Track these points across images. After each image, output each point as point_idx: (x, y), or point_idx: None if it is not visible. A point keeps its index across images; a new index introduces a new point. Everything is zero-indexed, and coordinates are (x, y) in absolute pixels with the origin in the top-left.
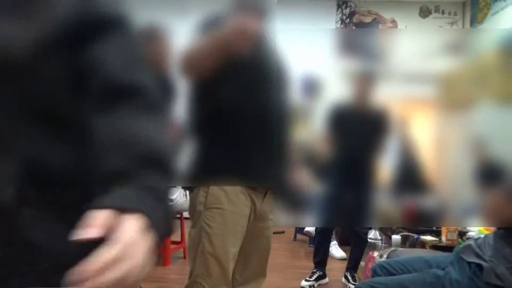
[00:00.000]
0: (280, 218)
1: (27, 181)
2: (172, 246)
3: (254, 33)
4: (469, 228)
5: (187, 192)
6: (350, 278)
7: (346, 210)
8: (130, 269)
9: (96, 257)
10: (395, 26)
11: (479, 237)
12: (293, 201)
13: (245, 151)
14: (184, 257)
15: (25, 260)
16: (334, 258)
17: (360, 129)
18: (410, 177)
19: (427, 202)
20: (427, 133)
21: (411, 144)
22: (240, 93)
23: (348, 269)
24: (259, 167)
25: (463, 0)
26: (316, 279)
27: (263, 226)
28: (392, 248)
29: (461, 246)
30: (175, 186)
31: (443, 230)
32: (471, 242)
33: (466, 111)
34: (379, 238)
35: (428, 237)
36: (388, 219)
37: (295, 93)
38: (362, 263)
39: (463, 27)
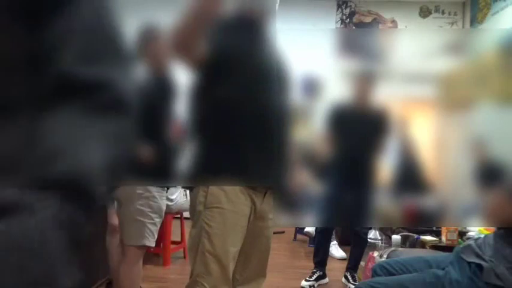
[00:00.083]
0: (280, 218)
1: None
2: (172, 246)
3: None
4: (469, 228)
5: (187, 192)
6: (350, 278)
7: (346, 210)
8: None
9: None
10: (395, 26)
11: (479, 237)
12: (293, 201)
13: (245, 151)
14: (185, 257)
15: None
16: (334, 258)
17: (360, 129)
18: (410, 177)
19: (427, 202)
20: (427, 133)
21: (411, 144)
22: (240, 93)
23: (348, 269)
24: (259, 167)
25: (463, 0)
26: (316, 279)
27: (263, 226)
28: (392, 248)
29: (461, 246)
30: (175, 186)
31: (443, 230)
32: (471, 242)
33: (466, 111)
34: (379, 238)
35: (428, 237)
36: (388, 219)
37: (295, 93)
38: (362, 263)
39: (463, 27)
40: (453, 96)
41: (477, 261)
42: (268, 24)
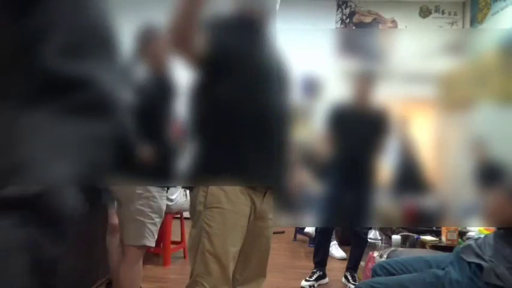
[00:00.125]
0: (280, 218)
1: None
2: (172, 246)
3: None
4: (469, 228)
5: (187, 192)
6: (350, 278)
7: (346, 210)
8: None
9: None
10: (395, 26)
11: (479, 237)
12: (293, 201)
13: (245, 151)
14: (185, 257)
15: None
16: (334, 258)
17: (360, 129)
18: (410, 177)
19: (427, 202)
20: (427, 133)
21: (411, 144)
22: (240, 93)
23: (348, 269)
24: (259, 166)
25: (463, 0)
26: (316, 279)
27: (263, 226)
28: (392, 248)
29: (461, 246)
30: (175, 186)
31: (443, 230)
32: (471, 242)
33: (466, 111)
34: (379, 238)
35: (428, 237)
36: (388, 219)
37: (295, 93)
38: (362, 263)
39: (463, 27)
40: (453, 96)
41: (477, 261)
42: (269, 24)
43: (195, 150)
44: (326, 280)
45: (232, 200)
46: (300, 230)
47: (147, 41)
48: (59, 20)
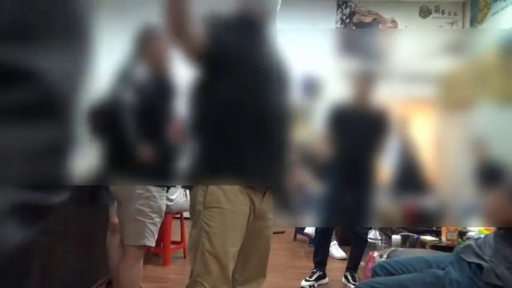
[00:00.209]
0: (280, 218)
1: None
2: (172, 246)
3: None
4: (469, 228)
5: (187, 192)
6: (350, 278)
7: (346, 210)
8: None
9: None
10: (395, 26)
11: (479, 237)
12: (292, 201)
13: (245, 151)
14: (185, 257)
15: None
16: (334, 258)
17: (360, 129)
18: (410, 177)
19: (427, 202)
20: (427, 133)
21: (411, 144)
22: (240, 93)
23: (348, 269)
24: (258, 166)
25: (463, 0)
26: (316, 279)
27: (262, 226)
28: (392, 248)
29: (461, 246)
30: (175, 186)
31: (443, 230)
32: (471, 242)
33: (466, 111)
34: (379, 238)
35: (428, 237)
36: (388, 219)
37: (295, 93)
38: (362, 263)
39: (463, 27)
40: (453, 96)
41: (477, 261)
42: (269, 24)
43: (195, 149)
44: (326, 280)
45: (231, 199)
46: (300, 230)
47: (146, 41)
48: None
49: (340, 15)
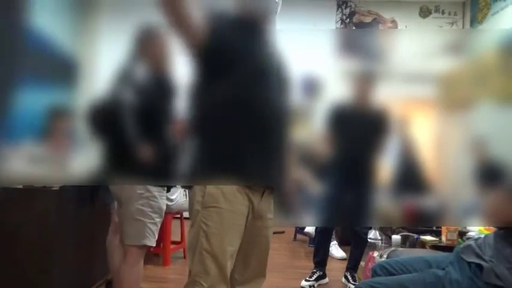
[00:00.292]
0: (280, 218)
1: None
2: (172, 246)
3: None
4: (469, 228)
5: (187, 192)
6: (350, 278)
7: (346, 210)
8: None
9: None
10: (395, 26)
11: (479, 237)
12: (292, 201)
13: (244, 151)
14: (184, 257)
15: None
16: (334, 258)
17: (360, 129)
18: (410, 177)
19: (427, 202)
20: (427, 133)
21: (411, 144)
22: (239, 93)
23: (348, 269)
24: (258, 166)
25: (463, 0)
26: (316, 279)
27: (261, 225)
28: (392, 248)
29: (461, 246)
30: (175, 186)
31: (443, 230)
32: (471, 242)
33: (466, 111)
34: (379, 238)
35: (428, 237)
36: (388, 219)
37: (295, 93)
38: (362, 263)
39: (463, 27)
40: (453, 96)
41: (477, 261)
42: (269, 24)
43: (194, 149)
44: (326, 280)
45: (229, 199)
46: (300, 230)
47: (146, 40)
48: None
49: (340, 15)
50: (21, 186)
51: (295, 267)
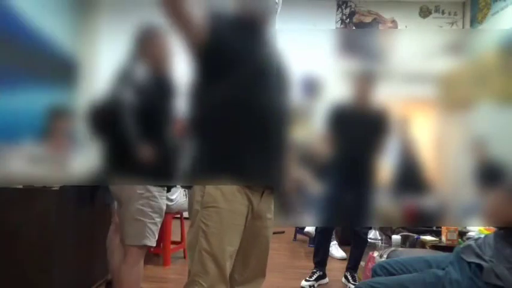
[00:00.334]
0: (280, 217)
1: None
2: (172, 246)
3: None
4: (469, 228)
5: (187, 191)
6: (350, 278)
7: (346, 210)
8: None
9: None
10: (396, 26)
11: (479, 237)
12: (292, 201)
13: (244, 151)
14: (184, 257)
15: None
16: (334, 258)
17: (360, 129)
18: (410, 177)
19: (427, 202)
20: (427, 133)
21: (411, 144)
22: (239, 93)
23: (348, 269)
24: (257, 166)
25: (463, 0)
26: (316, 279)
27: (261, 225)
28: (392, 248)
29: (461, 246)
30: (175, 186)
31: (443, 230)
32: (471, 242)
33: (466, 111)
34: (379, 238)
35: (428, 237)
36: (388, 219)
37: (295, 93)
38: (362, 263)
39: (463, 27)
40: (453, 96)
41: (477, 261)
42: (269, 24)
43: (194, 149)
44: (326, 280)
45: (228, 199)
46: (300, 230)
47: (146, 40)
48: None
49: (340, 15)
50: (21, 186)
51: (295, 267)
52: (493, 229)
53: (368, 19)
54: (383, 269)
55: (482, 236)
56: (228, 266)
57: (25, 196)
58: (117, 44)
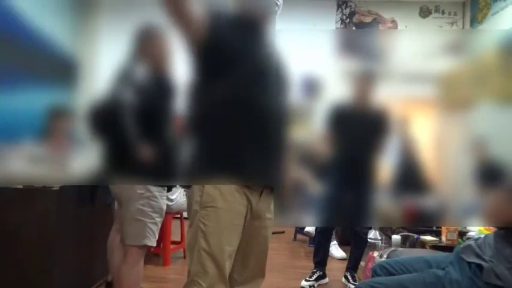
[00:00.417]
0: (279, 218)
1: None
2: (172, 246)
3: None
4: (469, 228)
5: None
6: (350, 278)
7: (346, 210)
8: None
9: None
10: (396, 26)
11: (479, 237)
12: (291, 200)
13: (243, 150)
14: (184, 257)
15: None
16: (334, 258)
17: (360, 129)
18: (410, 177)
19: (427, 202)
20: (427, 133)
21: (411, 144)
22: (239, 93)
23: (348, 269)
24: (257, 166)
25: (463, 0)
26: (316, 279)
27: (260, 225)
28: (392, 248)
29: (461, 246)
30: (175, 186)
31: (443, 230)
32: (471, 242)
33: (466, 111)
34: (379, 238)
35: (428, 237)
36: (388, 219)
37: (295, 93)
38: (362, 263)
39: (463, 27)
40: (453, 96)
41: (477, 261)
42: (269, 24)
43: (193, 148)
44: (326, 280)
45: (227, 199)
46: (300, 230)
47: (146, 40)
48: None
49: (340, 15)
50: (21, 186)
51: (295, 267)
52: (493, 229)
53: (368, 19)
54: (383, 269)
55: (482, 236)
56: (228, 266)
57: (25, 196)
58: (117, 44)
